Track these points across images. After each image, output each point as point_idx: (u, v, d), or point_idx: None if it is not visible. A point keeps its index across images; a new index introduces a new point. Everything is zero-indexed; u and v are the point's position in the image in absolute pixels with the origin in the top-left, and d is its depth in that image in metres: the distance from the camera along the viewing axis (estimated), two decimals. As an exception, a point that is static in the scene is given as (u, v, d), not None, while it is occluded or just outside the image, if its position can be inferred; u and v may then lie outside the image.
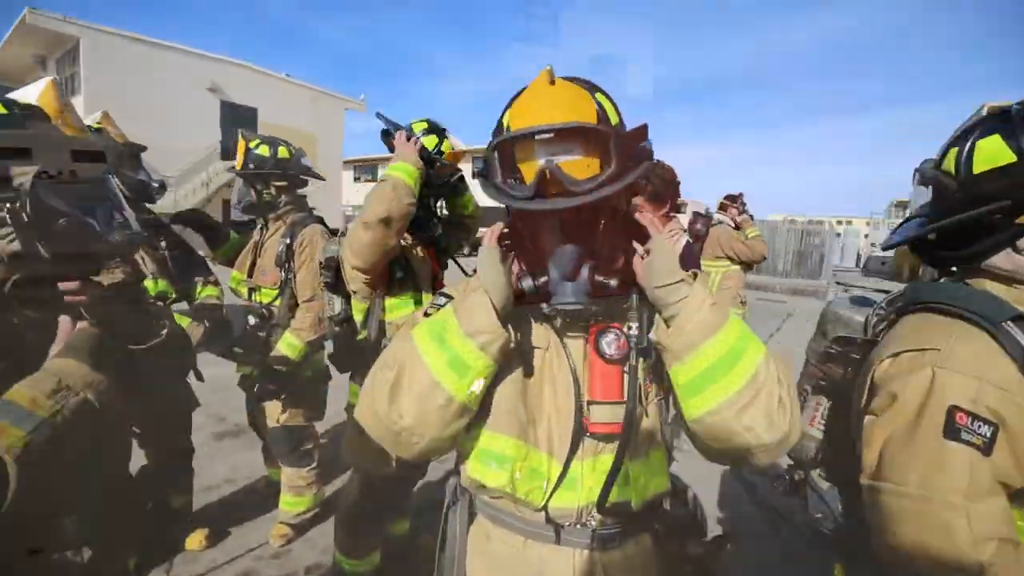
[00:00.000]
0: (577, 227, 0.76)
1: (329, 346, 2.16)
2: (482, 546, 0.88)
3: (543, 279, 0.77)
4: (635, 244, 0.79)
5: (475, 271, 0.97)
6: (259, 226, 2.42)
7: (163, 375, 0.95)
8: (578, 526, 0.82)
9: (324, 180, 2.45)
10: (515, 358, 0.82)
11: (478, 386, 0.76)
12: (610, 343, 0.80)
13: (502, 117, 0.77)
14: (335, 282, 2.00)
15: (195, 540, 2.29)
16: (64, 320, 0.83)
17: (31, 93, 0.96)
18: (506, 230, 0.82)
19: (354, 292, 1.91)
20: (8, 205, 0.80)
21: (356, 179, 28.64)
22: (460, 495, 0.93)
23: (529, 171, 0.71)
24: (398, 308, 1.93)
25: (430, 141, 1.93)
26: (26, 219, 0.81)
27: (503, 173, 0.74)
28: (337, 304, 2.10)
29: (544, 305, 0.78)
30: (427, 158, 1.85)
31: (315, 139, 19.05)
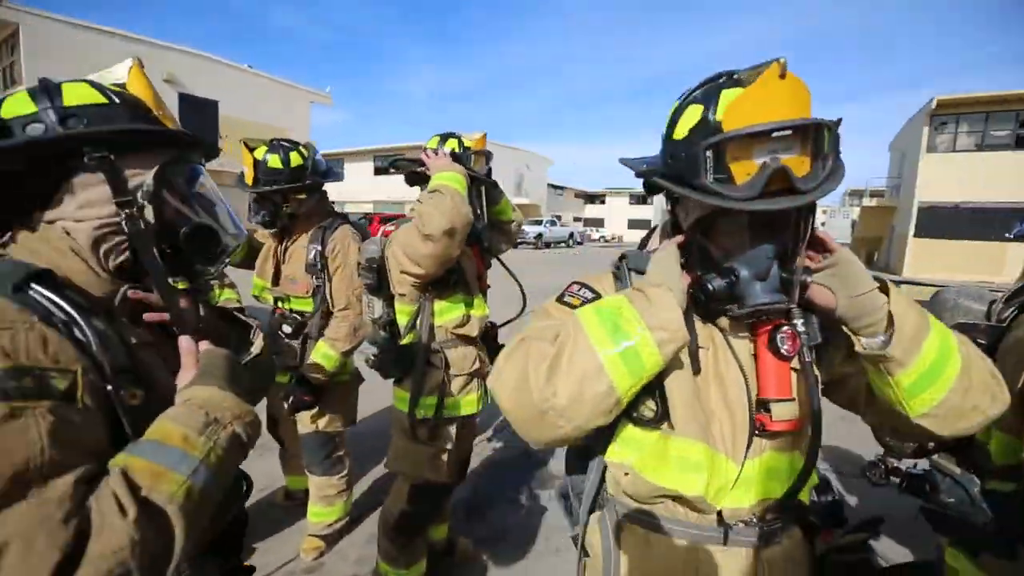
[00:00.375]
0: (771, 227, 0.74)
1: (367, 348, 2.07)
2: (641, 554, 0.86)
3: (726, 280, 0.75)
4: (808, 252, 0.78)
5: (615, 270, 0.94)
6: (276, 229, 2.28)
7: (255, 392, 0.87)
8: (745, 525, 0.82)
9: (342, 180, 2.32)
10: (684, 359, 0.80)
11: (634, 389, 0.74)
12: (784, 340, 0.78)
13: (707, 113, 0.73)
14: (377, 284, 1.93)
15: (223, 558, 2.17)
16: (186, 340, 0.74)
17: (117, 77, 0.85)
18: (680, 237, 0.80)
19: (401, 295, 1.85)
20: (126, 211, 0.71)
21: (322, 175, 27.74)
22: (604, 503, 0.91)
23: (741, 170, 0.69)
24: (448, 311, 1.87)
25: (451, 145, 1.95)
26: (143, 226, 0.72)
27: (712, 172, 0.70)
28: (378, 307, 2.03)
29: (734, 307, 0.76)
30: (461, 158, 1.88)
31: (281, 134, 18.39)
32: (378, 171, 30.95)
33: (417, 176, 1.97)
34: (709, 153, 0.70)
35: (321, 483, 2.29)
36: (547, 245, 27.31)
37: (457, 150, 1.92)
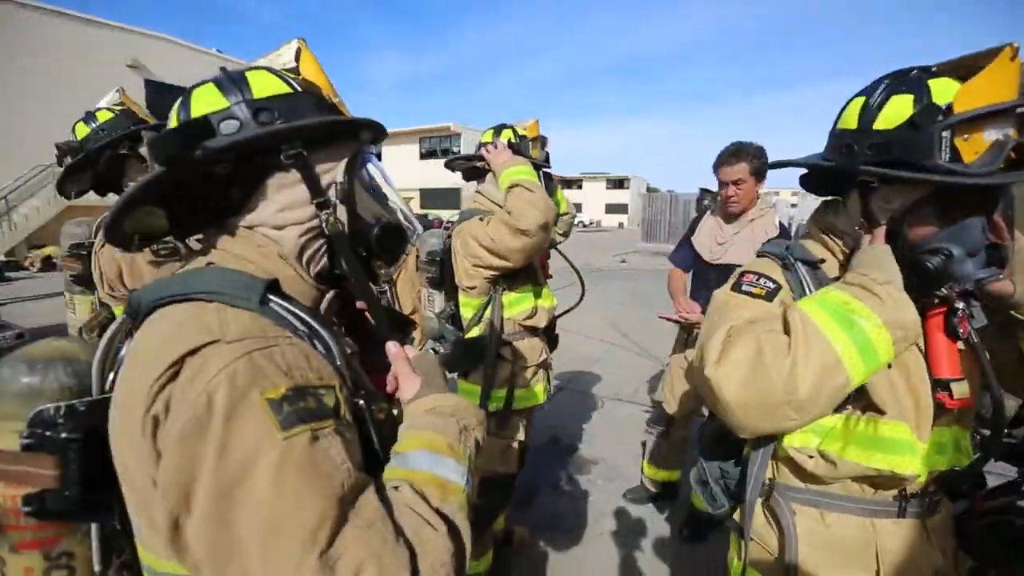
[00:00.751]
0: (981, 204, 0.76)
1: (428, 343, 2.04)
2: (819, 534, 0.88)
3: (940, 259, 0.76)
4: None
5: (780, 260, 0.94)
6: None
7: None
8: (914, 498, 0.87)
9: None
10: None
11: (862, 383, 0.77)
12: (959, 321, 0.81)
13: (923, 100, 0.75)
14: (440, 278, 1.91)
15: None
16: (395, 346, 0.71)
17: (285, 61, 0.78)
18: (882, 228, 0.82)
19: (469, 288, 1.83)
20: (324, 213, 0.66)
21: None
22: (775, 488, 0.93)
23: (970, 148, 0.71)
24: (518, 303, 1.87)
25: (507, 136, 1.93)
26: (340, 228, 0.67)
27: (948, 152, 0.72)
28: (439, 301, 2.00)
29: (946, 288, 0.78)
30: (519, 147, 1.88)
31: (254, 121, 17.77)
32: (353, 159, 30.23)
33: (476, 171, 1.94)
34: (946, 134, 0.71)
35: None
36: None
37: (514, 140, 1.90)
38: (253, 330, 0.52)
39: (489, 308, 1.83)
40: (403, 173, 26.05)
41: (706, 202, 4.73)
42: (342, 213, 0.68)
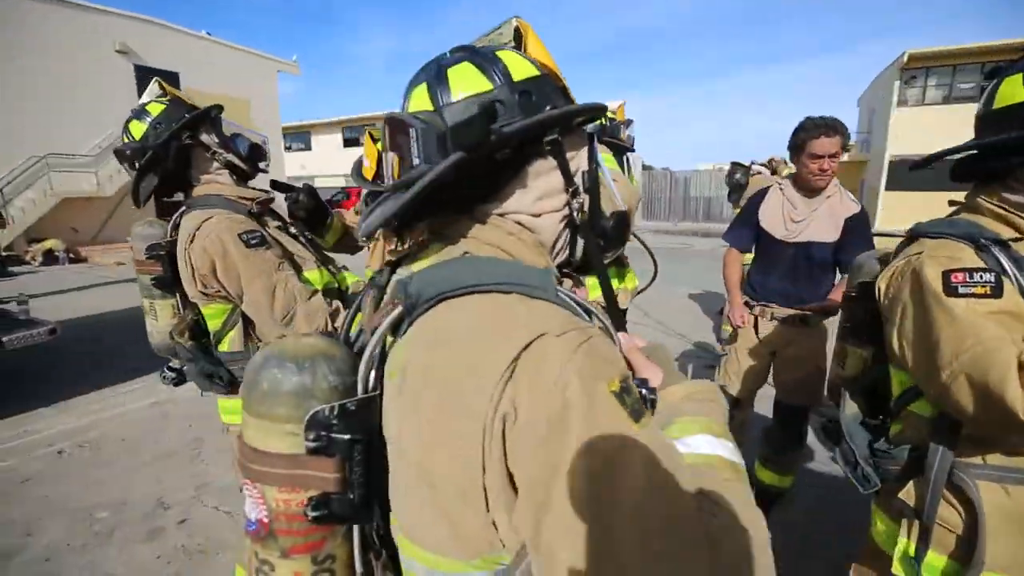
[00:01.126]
0: None
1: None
2: (1005, 508, 0.89)
3: None
4: None
5: (973, 243, 0.91)
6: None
7: None
8: None
9: None
10: None
11: None
12: None
13: None
14: None
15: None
16: (626, 337, 0.67)
17: (505, 39, 0.72)
18: None
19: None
20: (576, 201, 0.62)
21: (287, 148, 26.45)
22: (955, 466, 0.92)
23: None
24: (596, 289, 1.84)
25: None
26: (586, 216, 0.64)
27: None
28: None
29: None
30: (611, 130, 1.84)
31: (248, 106, 17.37)
32: (347, 143, 29.79)
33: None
34: None
35: None
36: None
37: (604, 123, 1.86)
38: (569, 322, 0.49)
39: None
40: (399, 156, 25.61)
41: (737, 176, 4.69)
42: (585, 201, 0.65)
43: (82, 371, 4.35)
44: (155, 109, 1.48)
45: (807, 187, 2.17)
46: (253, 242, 1.41)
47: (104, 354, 4.84)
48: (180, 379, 1.70)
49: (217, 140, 1.51)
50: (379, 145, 1.83)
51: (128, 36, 14.01)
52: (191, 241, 1.39)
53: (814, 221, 2.14)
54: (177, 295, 1.59)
